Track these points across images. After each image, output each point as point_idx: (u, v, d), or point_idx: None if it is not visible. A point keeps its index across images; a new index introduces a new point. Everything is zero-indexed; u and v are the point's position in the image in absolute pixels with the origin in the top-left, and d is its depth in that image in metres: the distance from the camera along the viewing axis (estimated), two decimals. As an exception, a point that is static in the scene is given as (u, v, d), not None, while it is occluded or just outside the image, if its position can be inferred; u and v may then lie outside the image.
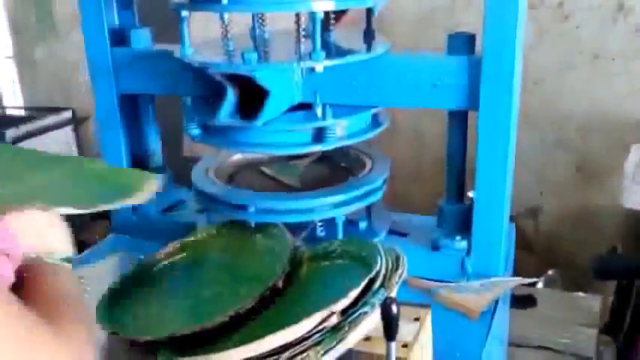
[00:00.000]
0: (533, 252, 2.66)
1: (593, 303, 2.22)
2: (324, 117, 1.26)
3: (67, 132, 3.19)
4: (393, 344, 0.85)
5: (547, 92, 2.48)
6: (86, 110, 3.09)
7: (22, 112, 3.44)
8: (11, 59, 3.68)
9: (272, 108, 1.20)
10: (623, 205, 2.05)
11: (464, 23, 2.45)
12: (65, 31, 3.34)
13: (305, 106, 1.29)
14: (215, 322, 0.95)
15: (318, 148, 1.28)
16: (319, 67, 1.18)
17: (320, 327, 0.88)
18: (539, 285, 2.40)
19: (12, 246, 0.73)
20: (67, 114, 3.19)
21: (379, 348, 0.89)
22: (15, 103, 3.66)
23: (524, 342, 2.04)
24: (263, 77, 1.17)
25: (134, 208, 1.57)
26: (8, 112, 3.52)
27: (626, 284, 2.12)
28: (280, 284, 1.06)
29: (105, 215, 1.61)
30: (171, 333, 0.95)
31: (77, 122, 3.21)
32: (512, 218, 1.40)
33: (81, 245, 1.68)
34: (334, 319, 0.89)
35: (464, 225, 1.33)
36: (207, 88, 1.30)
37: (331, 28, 1.36)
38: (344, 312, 0.90)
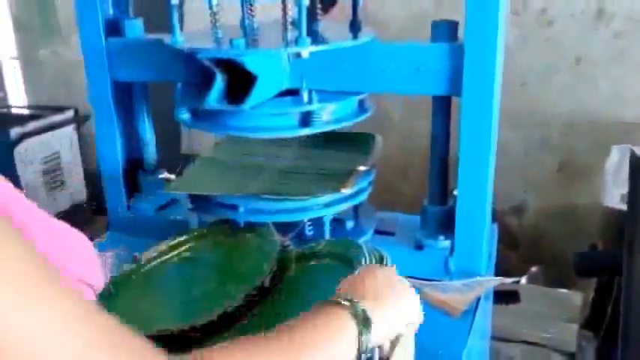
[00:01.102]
0: (518, 249, 2.71)
1: (574, 299, 2.27)
2: (310, 101, 1.28)
3: (70, 130, 3.24)
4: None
5: (531, 94, 2.52)
6: (88, 109, 3.14)
7: (26, 111, 3.49)
8: (16, 59, 3.71)
9: (259, 93, 1.22)
10: (603, 204, 2.10)
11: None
12: (68, 32, 3.37)
13: (293, 92, 1.31)
14: (204, 321, 0.97)
15: (305, 131, 1.30)
16: (305, 53, 1.20)
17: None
18: (523, 281, 2.45)
19: None
20: (70, 113, 3.25)
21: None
22: (19, 102, 3.70)
23: (508, 336, 2.08)
24: (250, 62, 1.19)
25: (129, 207, 1.61)
26: (13, 110, 3.56)
27: (606, 281, 2.17)
28: (268, 283, 1.09)
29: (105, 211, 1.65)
30: (160, 331, 0.97)
31: (79, 121, 3.26)
32: (496, 216, 1.43)
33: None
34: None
35: (447, 225, 1.36)
36: (198, 74, 1.31)
37: (318, 18, 1.38)
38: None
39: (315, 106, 1.28)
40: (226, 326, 0.99)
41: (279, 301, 1.07)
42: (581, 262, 2.09)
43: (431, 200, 1.42)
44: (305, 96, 1.28)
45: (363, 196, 1.41)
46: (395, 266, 0.97)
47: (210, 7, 1.29)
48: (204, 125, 1.35)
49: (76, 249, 0.78)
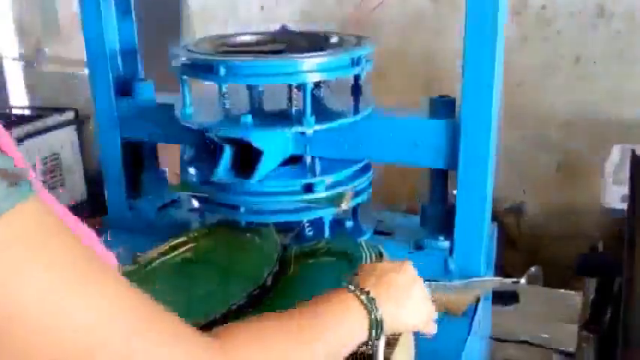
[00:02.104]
0: (517, 249, 2.71)
1: (574, 299, 2.27)
2: (313, 172, 1.33)
3: (70, 131, 3.27)
4: (381, 342, 0.88)
5: (530, 93, 2.53)
6: (88, 110, 3.17)
7: (27, 112, 3.51)
8: (18, 60, 3.72)
9: (266, 165, 1.28)
10: (603, 204, 2.11)
11: (449, 27, 2.50)
12: (69, 34, 3.39)
13: (296, 157, 1.37)
14: (206, 320, 0.97)
15: (308, 197, 1.33)
16: (309, 131, 1.27)
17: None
18: (522, 281, 2.45)
19: None
20: (70, 114, 3.27)
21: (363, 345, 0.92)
22: (20, 103, 3.72)
23: (507, 337, 2.09)
24: (257, 140, 1.25)
25: (130, 207, 1.62)
26: (14, 111, 3.58)
27: (607, 281, 2.17)
28: (269, 282, 1.10)
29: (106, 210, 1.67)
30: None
31: (80, 122, 3.28)
32: (495, 216, 1.44)
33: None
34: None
35: (446, 225, 1.37)
36: (206, 139, 1.35)
37: (321, 85, 1.42)
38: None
39: (318, 179, 1.33)
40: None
41: (281, 299, 1.08)
42: (582, 262, 2.10)
43: (430, 201, 1.43)
44: (308, 160, 1.35)
45: (364, 197, 1.42)
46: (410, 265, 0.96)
47: (219, 87, 1.35)
48: (210, 190, 1.37)
49: (98, 250, 0.80)
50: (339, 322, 0.79)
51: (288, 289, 1.11)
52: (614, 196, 2.08)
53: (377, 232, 1.48)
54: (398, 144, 1.33)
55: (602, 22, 2.40)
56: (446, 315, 1.24)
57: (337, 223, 1.44)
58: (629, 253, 1.79)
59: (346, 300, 0.82)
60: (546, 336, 2.08)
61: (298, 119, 1.28)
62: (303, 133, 1.29)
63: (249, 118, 1.26)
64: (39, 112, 3.34)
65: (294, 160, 1.38)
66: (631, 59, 2.41)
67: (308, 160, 1.36)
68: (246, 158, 1.28)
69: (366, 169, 1.42)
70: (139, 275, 1.21)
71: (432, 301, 0.95)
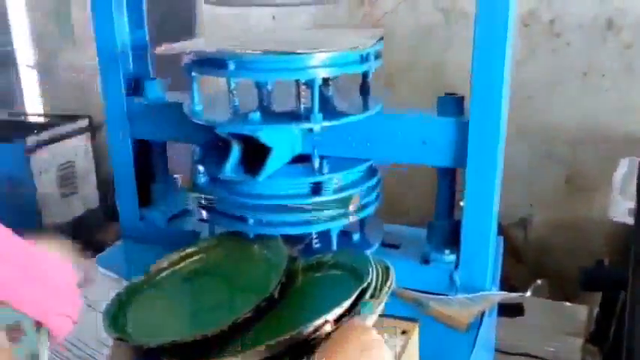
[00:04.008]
0: (523, 261, 2.71)
1: (579, 313, 2.28)
2: (321, 172, 1.33)
3: (84, 138, 3.31)
4: None
5: (538, 106, 2.52)
6: (102, 118, 3.21)
7: (42, 119, 3.54)
8: (32, 68, 3.76)
9: (274, 163, 1.29)
10: (610, 218, 2.10)
11: (458, 37, 2.52)
12: (83, 43, 3.42)
13: (304, 156, 1.37)
14: (215, 331, 0.99)
15: (316, 199, 1.34)
16: (317, 128, 1.27)
17: (314, 335, 0.93)
18: (528, 294, 2.45)
19: None
20: (84, 121, 3.30)
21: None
22: (35, 111, 3.76)
23: (512, 349, 2.09)
24: (265, 136, 1.25)
25: (142, 217, 1.64)
26: (29, 119, 3.62)
27: (612, 295, 2.17)
28: (276, 294, 1.11)
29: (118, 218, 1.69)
30: (173, 340, 1.00)
31: (94, 129, 3.31)
32: (502, 229, 1.44)
33: (97, 245, 1.74)
34: (328, 328, 0.94)
35: (453, 239, 1.38)
36: (216, 137, 1.36)
37: (329, 83, 1.43)
38: (337, 321, 0.94)
39: (326, 177, 1.33)
40: (236, 336, 1.01)
41: (287, 311, 1.09)
42: (587, 276, 2.09)
43: (437, 214, 1.44)
44: (316, 163, 1.35)
45: (371, 210, 1.43)
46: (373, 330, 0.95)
47: (228, 83, 1.36)
48: (218, 190, 1.38)
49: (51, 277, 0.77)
50: None
51: (295, 301, 1.13)
52: (622, 209, 2.08)
53: (384, 245, 1.49)
54: (406, 142, 1.33)
55: (610, 35, 2.41)
56: (451, 329, 1.26)
57: (345, 235, 1.45)
58: (635, 267, 1.80)
59: None
60: (551, 349, 2.09)
61: (306, 116, 1.28)
62: (311, 130, 1.29)
63: (257, 115, 1.26)
64: (53, 119, 3.37)
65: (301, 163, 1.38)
66: (640, 72, 2.41)
67: (316, 160, 1.35)
68: (255, 158, 1.28)
69: (373, 174, 1.43)
70: (149, 285, 1.23)
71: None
